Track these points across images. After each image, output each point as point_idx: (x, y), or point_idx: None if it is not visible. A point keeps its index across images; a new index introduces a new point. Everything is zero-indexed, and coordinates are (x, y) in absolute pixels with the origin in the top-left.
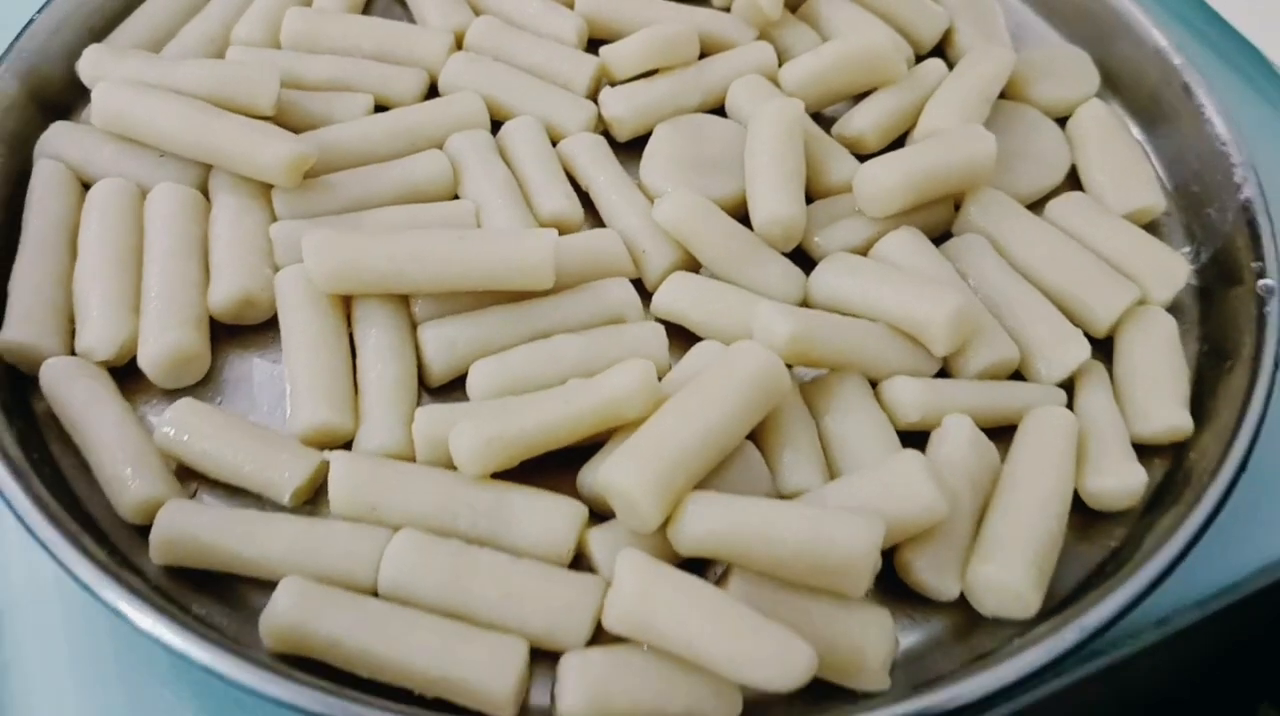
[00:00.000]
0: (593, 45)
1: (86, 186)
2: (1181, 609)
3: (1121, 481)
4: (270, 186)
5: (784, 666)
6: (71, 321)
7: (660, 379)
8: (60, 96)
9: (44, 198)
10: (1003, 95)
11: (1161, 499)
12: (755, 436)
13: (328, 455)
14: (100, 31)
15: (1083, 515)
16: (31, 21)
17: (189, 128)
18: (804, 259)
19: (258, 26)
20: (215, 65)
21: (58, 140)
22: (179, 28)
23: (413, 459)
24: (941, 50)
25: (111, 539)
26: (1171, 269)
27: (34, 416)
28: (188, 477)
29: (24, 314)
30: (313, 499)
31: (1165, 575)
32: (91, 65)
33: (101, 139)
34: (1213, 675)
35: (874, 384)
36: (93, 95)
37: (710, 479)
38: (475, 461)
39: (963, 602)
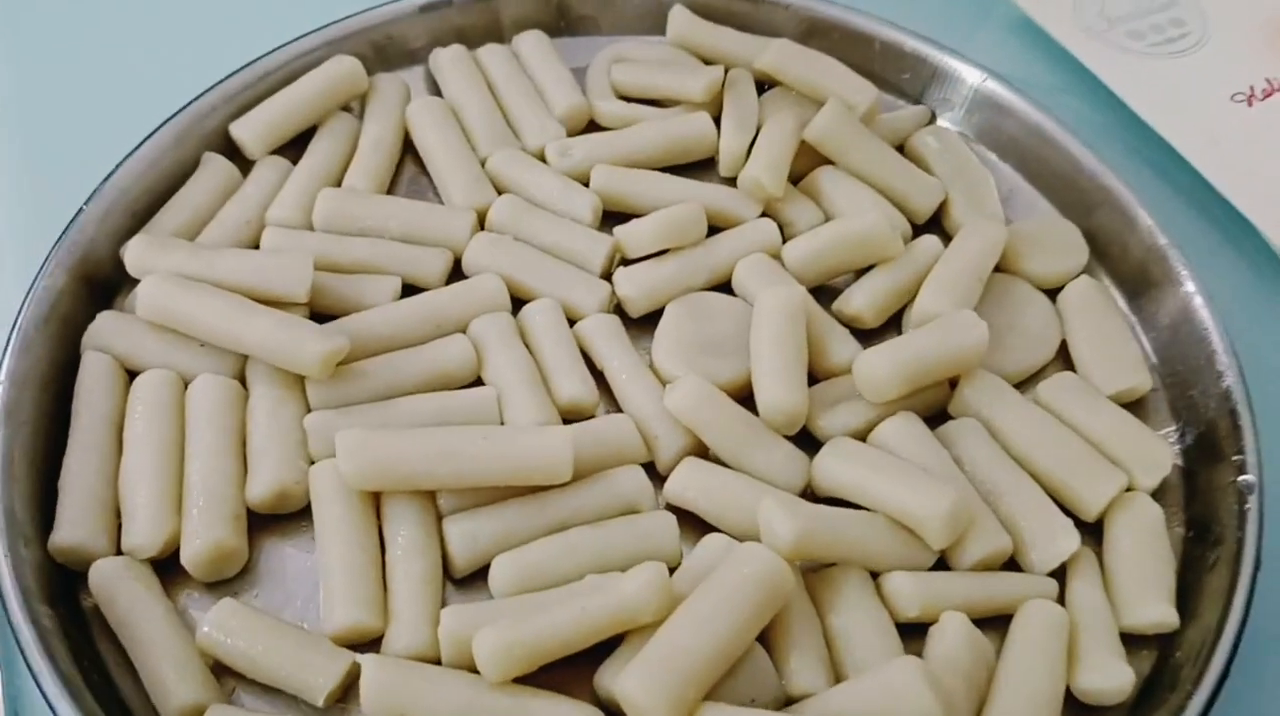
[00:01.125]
0: (608, 215)
1: (132, 373)
2: None
3: (1110, 680)
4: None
5: None
6: (118, 516)
7: (672, 569)
8: (108, 277)
9: (91, 392)
10: (996, 268)
11: (1149, 694)
12: (763, 635)
13: (359, 657)
14: (144, 214)
15: (1074, 708)
16: (80, 211)
17: (228, 323)
18: (808, 437)
19: (291, 208)
20: (253, 256)
21: (105, 331)
22: (217, 209)
23: (438, 657)
24: (938, 218)
25: None
26: (1157, 456)
27: (82, 611)
28: (226, 674)
29: (74, 515)
30: (344, 696)
31: None
32: (137, 257)
33: (145, 329)
34: None
35: (875, 574)
36: (138, 290)
37: (721, 682)
38: (496, 668)
39: None
